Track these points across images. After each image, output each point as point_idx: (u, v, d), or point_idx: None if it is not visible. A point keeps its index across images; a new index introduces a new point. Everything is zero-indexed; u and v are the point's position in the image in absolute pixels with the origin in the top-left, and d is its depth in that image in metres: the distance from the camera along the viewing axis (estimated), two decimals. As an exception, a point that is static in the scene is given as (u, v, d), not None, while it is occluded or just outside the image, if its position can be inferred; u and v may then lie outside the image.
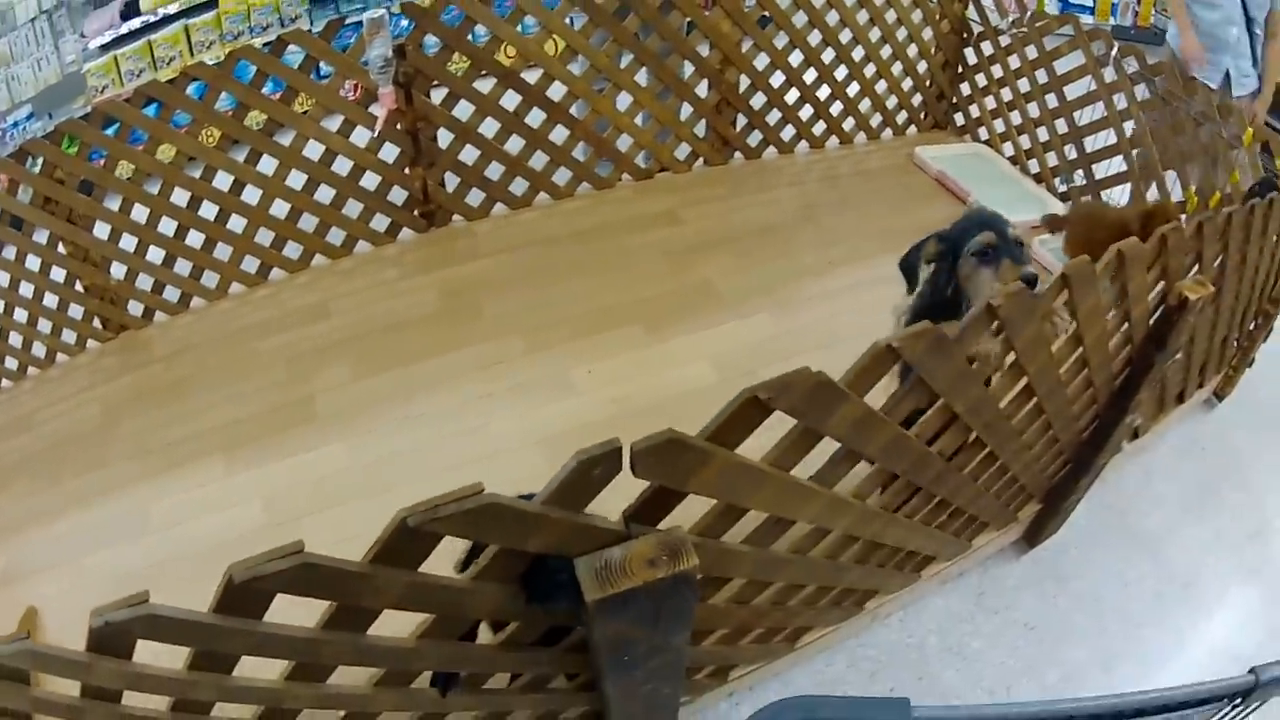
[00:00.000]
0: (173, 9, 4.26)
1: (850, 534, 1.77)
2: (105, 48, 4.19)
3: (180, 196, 3.14)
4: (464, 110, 3.37)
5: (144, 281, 3.26)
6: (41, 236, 3.05)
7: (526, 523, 1.15)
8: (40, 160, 2.89)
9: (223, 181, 3.19)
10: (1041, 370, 1.76)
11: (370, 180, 3.37)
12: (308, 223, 3.38)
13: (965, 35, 4.00)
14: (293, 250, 3.41)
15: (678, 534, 1.25)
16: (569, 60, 3.44)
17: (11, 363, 3.20)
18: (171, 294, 3.32)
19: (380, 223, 3.49)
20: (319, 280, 3.44)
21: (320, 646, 1.20)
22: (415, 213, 3.51)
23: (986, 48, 3.92)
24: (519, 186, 3.62)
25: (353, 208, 3.42)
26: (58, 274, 3.13)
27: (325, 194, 3.35)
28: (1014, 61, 3.80)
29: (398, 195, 3.46)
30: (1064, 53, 3.63)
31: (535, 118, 3.47)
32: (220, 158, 3.13)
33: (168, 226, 3.19)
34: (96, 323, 3.26)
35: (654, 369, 2.97)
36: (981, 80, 4.00)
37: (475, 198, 3.57)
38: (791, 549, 1.68)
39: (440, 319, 3.21)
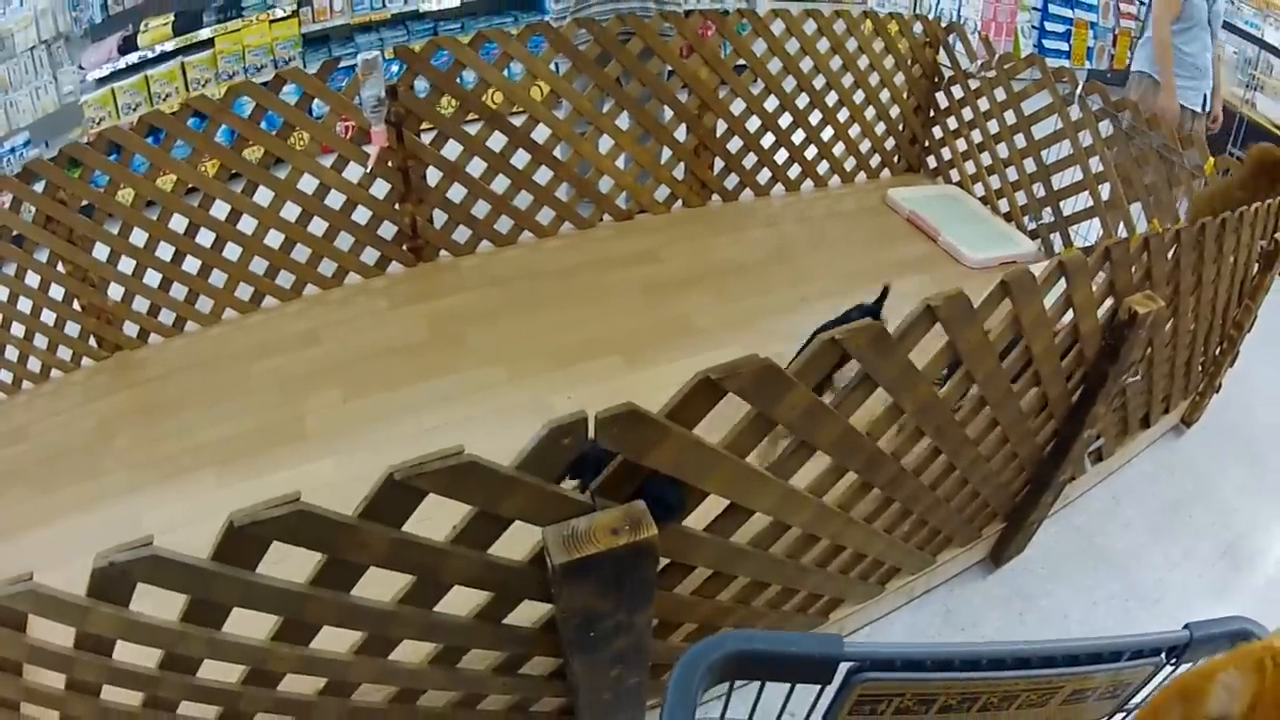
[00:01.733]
0: (169, 46, 4.42)
1: (810, 532, 1.88)
2: (103, 80, 4.34)
3: (179, 223, 3.26)
4: (453, 150, 3.53)
5: (140, 304, 3.37)
6: (42, 255, 3.16)
7: (501, 485, 1.28)
8: (44, 181, 3.01)
9: (220, 210, 3.32)
10: (990, 377, 1.88)
11: (362, 214, 3.52)
12: (301, 253, 3.51)
13: (936, 80, 4.22)
14: (285, 279, 3.53)
15: (639, 507, 1.37)
16: (553, 105, 3.62)
17: (6, 375, 3.29)
18: (166, 317, 3.43)
19: (370, 256, 3.62)
20: (310, 309, 3.56)
21: (307, 602, 1.30)
22: (404, 247, 3.65)
23: (957, 91, 4.12)
24: (504, 224, 3.78)
25: (344, 240, 3.55)
26: (56, 292, 3.22)
27: (318, 226, 3.48)
28: (984, 104, 3.99)
29: (388, 230, 3.60)
30: (1031, 93, 3.82)
31: (520, 159, 3.64)
32: (218, 187, 3.26)
33: (165, 251, 3.30)
34: (92, 341, 3.35)
35: (632, 396, 3.04)
36: (953, 123, 4.20)
37: (462, 234, 3.72)
38: (752, 542, 1.79)
39: (426, 347, 3.32)
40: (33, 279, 3.19)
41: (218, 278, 3.42)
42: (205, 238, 3.34)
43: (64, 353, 3.34)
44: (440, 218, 3.67)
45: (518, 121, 3.60)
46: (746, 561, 1.81)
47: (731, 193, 4.14)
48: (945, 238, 3.91)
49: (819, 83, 4.01)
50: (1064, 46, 5.60)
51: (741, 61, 3.85)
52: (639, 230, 3.98)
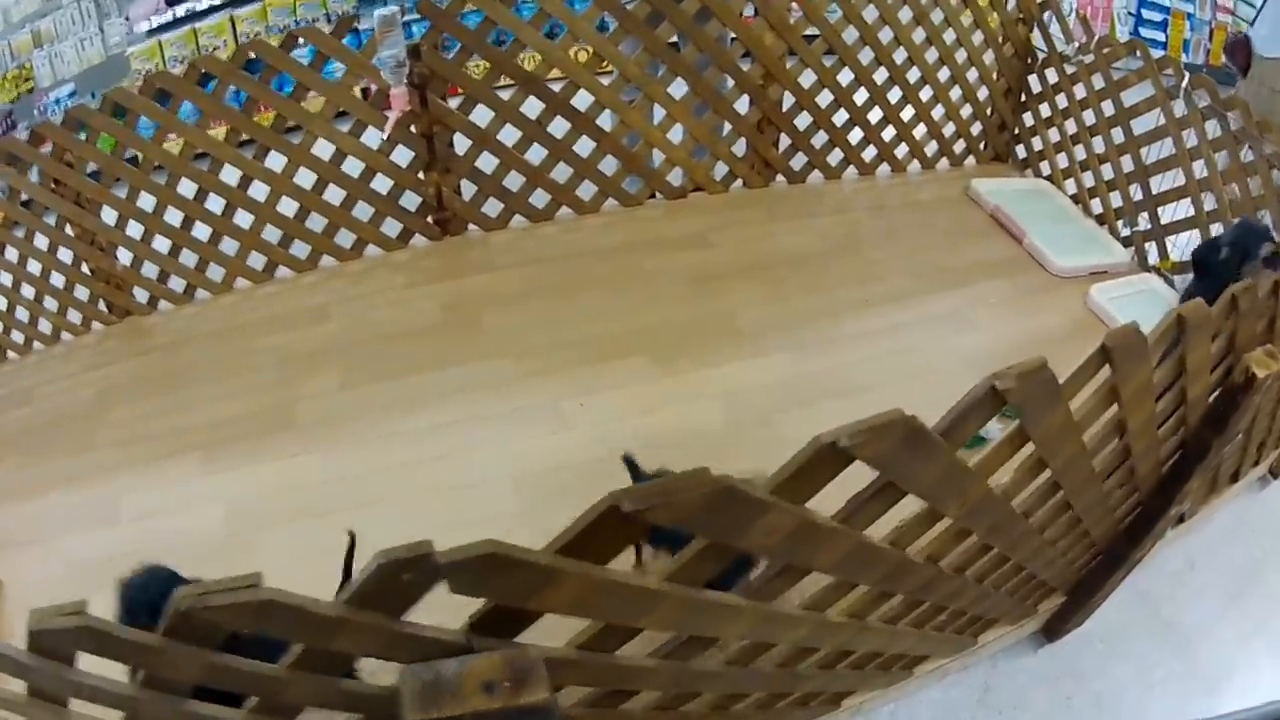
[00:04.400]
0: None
1: (805, 646, 1.52)
2: (151, 33, 4.19)
3: (187, 188, 3.08)
4: (483, 116, 3.22)
5: (150, 270, 3.22)
6: (50, 218, 3.03)
7: (321, 624, 0.96)
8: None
9: (230, 176, 3.12)
10: (1071, 463, 1.48)
11: (382, 183, 3.25)
12: (317, 223, 3.28)
13: (1030, 61, 3.67)
14: (301, 249, 3.31)
15: (529, 655, 1.01)
16: (597, 69, 3.26)
17: (18, 336, 3.22)
18: (177, 284, 3.27)
19: (392, 227, 3.36)
20: (327, 281, 3.34)
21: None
22: (429, 219, 3.38)
23: (1051, 75, 3.58)
24: (540, 198, 3.45)
25: (363, 210, 3.30)
26: (65, 255, 3.11)
27: (336, 195, 3.24)
28: (1079, 91, 3.46)
29: (411, 200, 3.33)
30: (1131, 83, 3.28)
31: (559, 127, 3.30)
32: (228, 151, 3.06)
33: (174, 217, 3.13)
34: (102, 305, 3.24)
35: (654, 406, 2.77)
36: (1045, 110, 3.66)
37: (493, 208, 3.42)
38: (726, 661, 1.44)
39: (439, 332, 3.07)
40: (41, 241, 3.07)
41: (229, 245, 3.22)
42: (215, 204, 3.15)
43: (74, 316, 3.25)
44: (469, 189, 3.37)
45: (557, 87, 3.25)
46: (718, 681, 1.46)
47: (798, 174, 3.69)
48: (1031, 239, 3.41)
49: (899, 56, 3.51)
50: (1160, 36, 4.99)
51: (812, 30, 3.39)
52: (691, 210, 3.59)
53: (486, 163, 3.30)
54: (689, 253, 3.36)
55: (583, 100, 3.29)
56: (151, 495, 2.58)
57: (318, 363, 2.98)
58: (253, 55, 2.96)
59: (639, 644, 1.25)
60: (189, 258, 3.22)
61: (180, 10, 4.19)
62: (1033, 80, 3.70)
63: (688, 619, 1.20)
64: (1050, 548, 1.77)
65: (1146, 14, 4.93)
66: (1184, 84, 3.11)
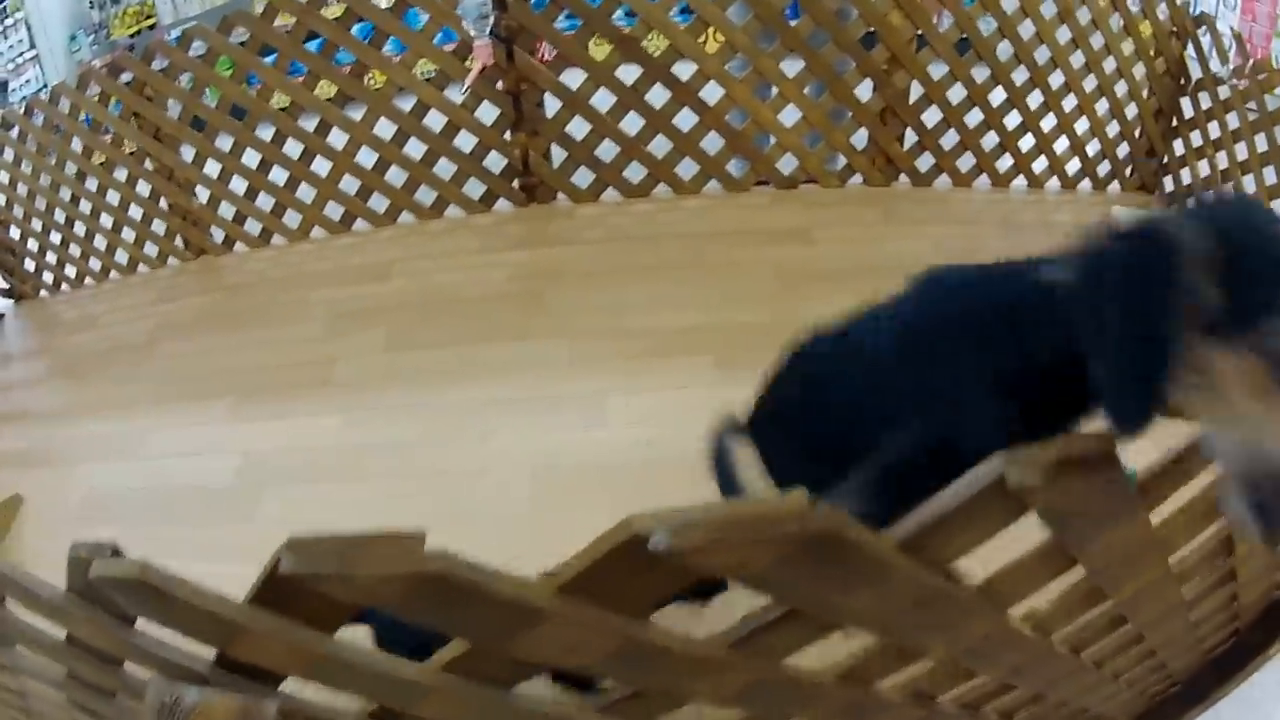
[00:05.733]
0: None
1: None
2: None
3: (265, 131, 3.02)
4: (576, 79, 2.98)
5: (226, 210, 3.17)
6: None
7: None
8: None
9: (308, 123, 3.03)
10: (1144, 593, 0.98)
11: (465, 141, 3.06)
12: (397, 177, 3.12)
13: (1183, 82, 3.11)
14: (379, 203, 3.19)
15: (265, 709, 0.73)
16: (699, 34, 2.96)
17: (95, 264, 3.24)
18: (253, 227, 3.21)
19: (475, 189, 3.17)
20: (404, 238, 3.22)
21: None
22: (515, 184, 3.16)
23: (1205, 100, 3.02)
24: (635, 172, 3.17)
25: (445, 168, 3.13)
26: (143, 189, 3.12)
27: (419, 149, 3.08)
28: (1232, 121, 2.90)
29: (496, 162, 3.13)
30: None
31: (658, 96, 3.02)
32: (307, 96, 2.98)
33: (252, 159, 3.07)
34: (179, 241, 3.23)
35: (704, 413, 2.45)
36: (1197, 140, 3.09)
37: (584, 178, 3.17)
38: None
39: (499, 303, 2.84)
40: (120, 173, 3.07)
41: (305, 192, 3.11)
42: (294, 148, 3.06)
43: (150, 249, 3.26)
44: (559, 155, 3.14)
45: (657, 51, 2.97)
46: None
47: (923, 176, 3.26)
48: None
49: (1041, 56, 3.03)
50: None
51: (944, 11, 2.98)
52: (799, 202, 3.22)
53: (578, 128, 3.06)
54: (786, 247, 3.00)
55: (684, 69, 2.99)
56: (175, 435, 2.55)
57: (368, 321, 2.84)
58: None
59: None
60: (265, 201, 3.16)
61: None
62: (1185, 104, 3.14)
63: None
64: (1106, 685, 1.33)
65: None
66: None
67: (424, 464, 2.31)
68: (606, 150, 3.11)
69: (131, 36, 4.15)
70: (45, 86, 4.77)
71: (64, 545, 0.67)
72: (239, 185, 3.11)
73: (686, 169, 3.19)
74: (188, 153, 3.06)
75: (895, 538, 0.63)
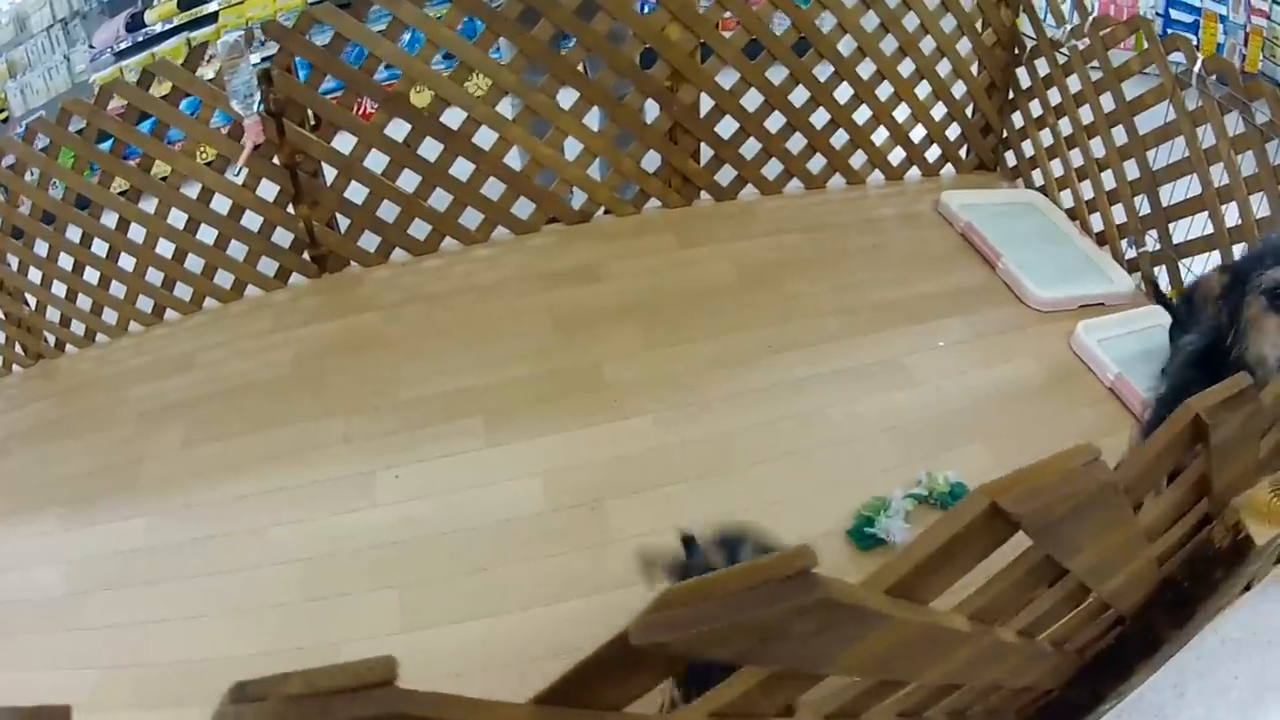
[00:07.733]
0: (176, 21, 4.16)
1: None
2: (118, 55, 4.19)
3: (74, 233, 3.03)
4: (348, 142, 2.92)
5: (54, 313, 3.22)
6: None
7: None
8: None
9: (110, 220, 3.02)
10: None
11: (252, 220, 3.02)
12: (195, 264, 3.10)
13: (1017, 51, 2.89)
14: (184, 291, 3.16)
15: None
16: (464, 79, 2.87)
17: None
18: (79, 328, 3.23)
19: (269, 266, 3.13)
20: (212, 323, 3.17)
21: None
22: (305, 255, 3.12)
23: (1042, 67, 2.81)
24: (420, 229, 3.09)
25: (240, 250, 3.09)
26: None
27: (210, 234, 3.05)
28: (1073, 84, 2.69)
29: (283, 237, 3.07)
30: (1134, 69, 2.50)
31: (430, 149, 2.93)
32: (104, 194, 2.98)
33: (66, 262, 3.09)
34: (19, 349, 3.26)
35: (473, 482, 2.41)
36: (1037, 109, 2.87)
37: (370, 241, 3.10)
38: None
39: (282, 387, 2.81)
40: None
41: (117, 289, 3.13)
42: (100, 247, 3.07)
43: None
44: (344, 223, 3.08)
45: (421, 103, 2.89)
46: None
47: (726, 190, 3.11)
48: (1007, 264, 2.69)
49: (846, 47, 2.86)
50: (1192, 39, 4.08)
51: (726, 12, 2.82)
52: (590, 237, 3.11)
53: (356, 193, 2.98)
54: (571, 289, 2.91)
55: (454, 116, 2.90)
56: (10, 549, 2.55)
57: (170, 417, 2.82)
58: (116, 96, 2.84)
59: None
60: (85, 301, 3.18)
61: (140, 35, 4.15)
62: (1021, 74, 2.93)
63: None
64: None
65: (1175, 14, 4.20)
66: (1196, 69, 2.33)
67: (200, 562, 2.33)
68: (389, 210, 3.03)
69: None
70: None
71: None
72: (59, 289, 3.13)
73: (472, 218, 3.10)
74: (13, 260, 3.08)
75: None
